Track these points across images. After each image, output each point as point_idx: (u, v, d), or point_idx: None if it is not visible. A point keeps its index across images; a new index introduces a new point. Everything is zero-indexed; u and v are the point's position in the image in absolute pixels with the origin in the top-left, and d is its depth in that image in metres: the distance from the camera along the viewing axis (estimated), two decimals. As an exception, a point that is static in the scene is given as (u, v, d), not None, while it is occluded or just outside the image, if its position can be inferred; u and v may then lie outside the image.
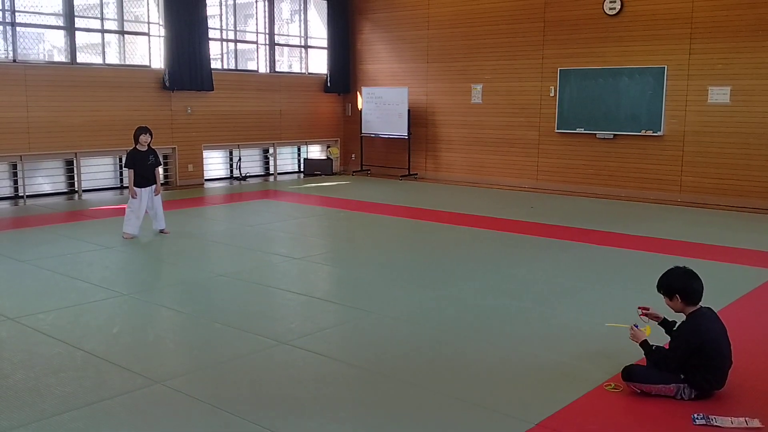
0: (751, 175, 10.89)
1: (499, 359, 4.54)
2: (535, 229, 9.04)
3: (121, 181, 12.52)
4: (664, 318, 4.22)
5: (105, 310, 5.55)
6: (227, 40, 14.13)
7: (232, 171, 14.37)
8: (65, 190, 11.90)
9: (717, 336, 3.95)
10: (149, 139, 8.26)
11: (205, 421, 3.67)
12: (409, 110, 14.34)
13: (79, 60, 11.74)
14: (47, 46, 12.47)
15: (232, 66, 14.25)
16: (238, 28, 14.41)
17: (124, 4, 12.43)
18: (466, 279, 6.53)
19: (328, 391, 4.05)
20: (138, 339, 4.92)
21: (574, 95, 12.44)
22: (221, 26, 13.93)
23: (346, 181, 14.21)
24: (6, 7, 10.81)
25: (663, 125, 11.57)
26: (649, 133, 11.68)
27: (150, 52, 12.66)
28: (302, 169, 15.38)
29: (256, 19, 14.61)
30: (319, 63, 15.66)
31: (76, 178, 11.73)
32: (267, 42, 14.65)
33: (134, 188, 8.18)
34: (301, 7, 15.45)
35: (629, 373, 3.98)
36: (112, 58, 12.47)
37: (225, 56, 14.13)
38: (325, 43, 15.39)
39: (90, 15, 12.13)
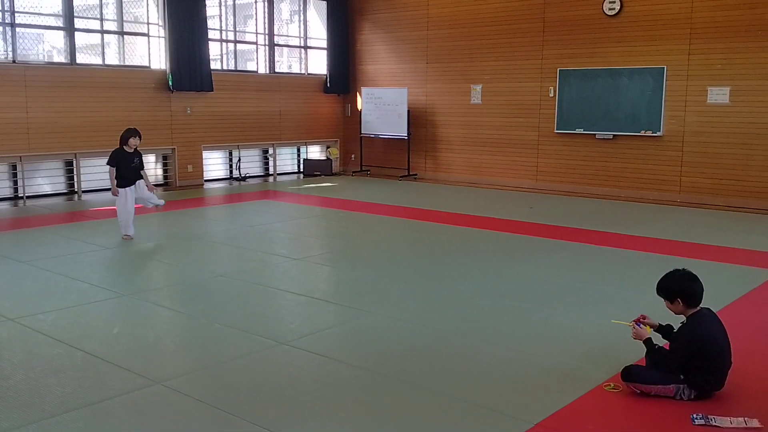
0: (751, 175, 10.90)
1: (498, 359, 4.54)
2: (535, 229, 9.04)
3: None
4: (659, 324, 4.23)
5: (105, 311, 5.55)
6: (227, 41, 14.13)
7: (231, 171, 14.38)
8: (65, 191, 11.90)
9: (717, 337, 3.95)
10: (138, 142, 8.14)
11: (205, 421, 3.67)
12: (408, 111, 14.34)
13: (78, 61, 11.74)
14: (47, 46, 12.48)
15: (232, 66, 14.26)
16: (237, 29, 14.42)
17: (124, 5, 12.43)
18: (465, 279, 6.53)
19: (327, 391, 4.05)
20: (138, 339, 4.92)
21: (573, 95, 12.44)
22: (221, 27, 13.93)
23: (346, 182, 14.22)
24: (5, 8, 10.81)
25: (662, 125, 11.58)
26: (649, 133, 11.69)
27: (149, 52, 12.66)
28: (302, 170, 15.38)
29: (256, 19, 14.61)
30: (318, 63, 15.67)
31: (75, 179, 11.73)
32: (266, 42, 14.65)
33: (117, 188, 8.05)
34: (301, 8, 15.46)
35: (629, 374, 3.98)
36: (112, 58, 12.47)
37: (224, 57, 14.14)
38: (324, 44, 15.39)
39: (89, 16, 12.12)
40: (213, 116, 13.50)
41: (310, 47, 15.57)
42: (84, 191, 11.78)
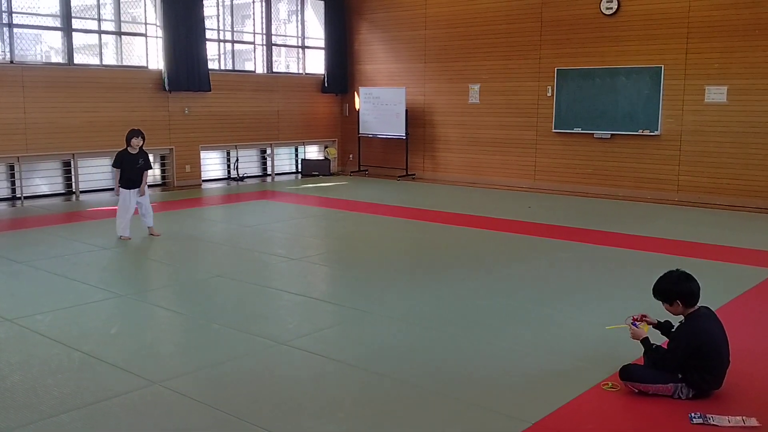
0: (748, 174, 10.92)
1: (497, 359, 4.54)
2: (533, 228, 9.05)
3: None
4: (658, 321, 4.23)
5: (103, 311, 5.55)
6: (224, 41, 14.12)
7: (229, 171, 14.37)
8: (63, 191, 11.89)
9: (716, 336, 3.95)
10: (141, 142, 8.18)
11: (204, 421, 3.67)
12: (406, 110, 14.34)
13: (76, 61, 11.73)
14: (44, 47, 12.46)
15: (230, 66, 14.25)
16: (235, 29, 14.41)
17: (121, 5, 12.42)
18: (463, 279, 6.53)
19: (325, 391, 4.05)
20: (136, 340, 4.92)
21: (571, 95, 12.45)
22: (218, 27, 13.92)
23: (344, 182, 14.21)
24: (3, 9, 10.80)
25: (660, 125, 11.59)
26: (647, 132, 11.70)
27: (147, 53, 12.65)
28: (300, 170, 15.38)
29: (254, 19, 14.60)
30: (316, 63, 15.66)
31: (73, 179, 11.72)
32: (264, 42, 14.65)
33: (120, 188, 8.10)
34: (299, 8, 15.45)
35: (627, 373, 3.99)
36: (110, 59, 12.46)
37: (222, 57, 14.13)
38: (322, 44, 15.39)
39: (87, 16, 12.11)
40: (211, 116, 13.50)
41: (308, 47, 15.57)
42: (82, 191, 11.77)
